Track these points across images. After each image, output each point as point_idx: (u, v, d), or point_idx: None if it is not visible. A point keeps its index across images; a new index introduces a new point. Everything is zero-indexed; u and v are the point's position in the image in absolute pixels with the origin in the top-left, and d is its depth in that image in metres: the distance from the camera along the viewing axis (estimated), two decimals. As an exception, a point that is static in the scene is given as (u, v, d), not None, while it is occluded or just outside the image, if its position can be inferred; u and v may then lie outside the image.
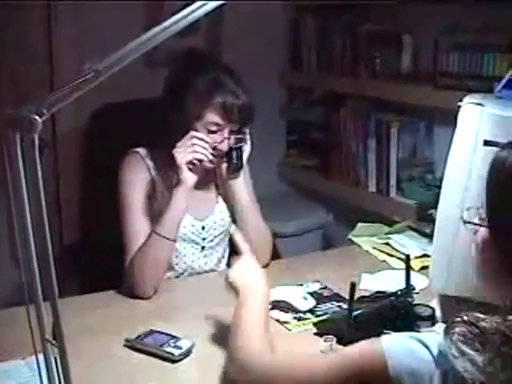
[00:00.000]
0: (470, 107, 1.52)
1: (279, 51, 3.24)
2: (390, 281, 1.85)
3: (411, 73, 2.67)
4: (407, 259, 1.66)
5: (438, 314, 1.65)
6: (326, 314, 1.71)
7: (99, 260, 2.05)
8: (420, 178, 2.65)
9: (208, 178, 1.99)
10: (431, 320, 1.63)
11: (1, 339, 1.51)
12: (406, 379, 1.02)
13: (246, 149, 1.91)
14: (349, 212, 2.88)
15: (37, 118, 0.83)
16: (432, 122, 2.66)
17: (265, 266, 2.03)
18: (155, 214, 1.89)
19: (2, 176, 0.85)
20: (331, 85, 3.05)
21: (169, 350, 1.48)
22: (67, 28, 2.64)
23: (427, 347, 1.03)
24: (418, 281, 1.81)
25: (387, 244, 2.17)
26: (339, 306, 1.74)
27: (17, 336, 1.20)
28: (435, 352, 1.01)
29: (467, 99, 1.55)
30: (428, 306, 1.67)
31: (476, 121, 1.49)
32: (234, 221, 2.03)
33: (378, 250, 2.15)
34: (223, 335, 1.59)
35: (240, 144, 1.89)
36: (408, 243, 2.15)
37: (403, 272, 1.65)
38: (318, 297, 1.79)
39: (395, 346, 1.05)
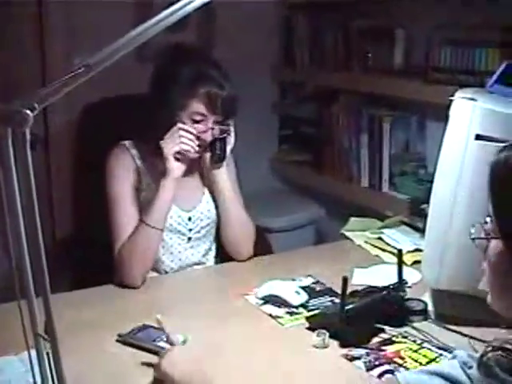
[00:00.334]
0: (462, 102, 1.53)
1: (272, 47, 3.23)
2: (382, 275, 1.85)
3: (403, 68, 2.68)
4: (399, 254, 1.67)
5: (431, 308, 1.66)
6: (318, 308, 1.71)
7: (92, 255, 2.04)
8: (412, 173, 2.65)
9: (193, 169, 2.00)
10: (423, 314, 1.64)
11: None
12: None
13: (230, 141, 1.93)
14: (341, 207, 2.88)
15: (28, 112, 0.83)
16: (424, 116, 2.66)
17: (248, 259, 2.04)
18: (142, 204, 1.91)
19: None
20: (323, 80, 3.05)
21: (161, 344, 1.48)
22: (58, 25, 2.65)
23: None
24: (411, 275, 1.81)
25: (380, 239, 2.17)
26: (332, 301, 1.75)
27: (10, 331, 1.20)
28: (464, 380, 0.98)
29: (459, 94, 1.56)
30: (420, 300, 1.68)
31: (468, 115, 1.50)
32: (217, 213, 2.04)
33: (371, 244, 2.15)
34: (215, 330, 1.59)
35: (224, 135, 1.91)
36: (400, 238, 2.15)
37: (395, 266, 1.66)
38: (311, 291, 1.80)
39: None
